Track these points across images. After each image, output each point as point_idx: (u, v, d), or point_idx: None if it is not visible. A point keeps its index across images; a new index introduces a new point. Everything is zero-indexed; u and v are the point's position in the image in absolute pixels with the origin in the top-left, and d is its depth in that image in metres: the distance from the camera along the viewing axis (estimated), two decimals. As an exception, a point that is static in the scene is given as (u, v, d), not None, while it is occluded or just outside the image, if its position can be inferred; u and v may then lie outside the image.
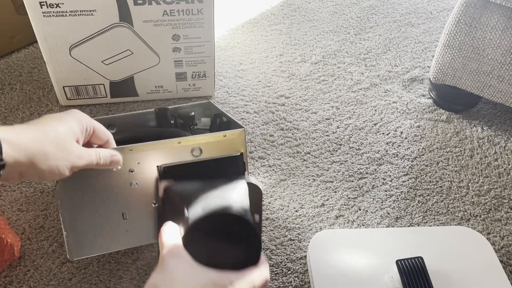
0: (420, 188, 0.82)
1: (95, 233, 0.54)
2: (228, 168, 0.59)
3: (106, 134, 0.53)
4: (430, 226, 0.76)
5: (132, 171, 0.55)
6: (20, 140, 0.42)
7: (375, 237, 0.71)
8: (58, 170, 0.45)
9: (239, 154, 0.59)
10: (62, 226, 0.53)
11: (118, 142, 0.55)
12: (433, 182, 0.83)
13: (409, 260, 0.64)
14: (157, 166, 0.56)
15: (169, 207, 0.55)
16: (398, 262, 0.63)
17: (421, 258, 0.64)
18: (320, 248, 0.68)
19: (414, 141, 0.91)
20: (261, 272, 0.50)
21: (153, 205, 0.56)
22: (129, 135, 0.68)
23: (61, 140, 0.46)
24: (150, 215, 0.56)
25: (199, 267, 0.47)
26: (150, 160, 0.55)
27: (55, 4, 0.75)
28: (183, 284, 0.45)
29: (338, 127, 0.93)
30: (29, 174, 0.44)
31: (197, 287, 0.45)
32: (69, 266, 0.66)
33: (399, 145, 0.90)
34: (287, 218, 0.75)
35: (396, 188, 0.82)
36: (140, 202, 0.55)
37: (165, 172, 0.56)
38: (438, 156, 0.89)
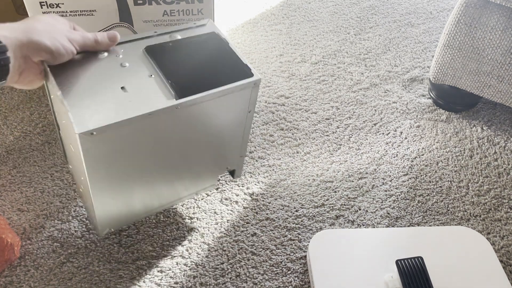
0: (420, 188, 0.82)
1: (97, 106, 0.51)
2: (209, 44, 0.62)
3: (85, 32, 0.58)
4: (430, 226, 0.76)
5: (118, 56, 0.57)
6: (13, 25, 0.48)
7: (375, 237, 0.71)
8: (59, 42, 0.50)
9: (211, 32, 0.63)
10: (65, 105, 0.50)
11: None
12: (433, 182, 0.84)
13: (409, 260, 0.64)
14: (143, 49, 0.58)
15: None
16: (398, 262, 0.64)
17: (421, 258, 0.64)
18: (320, 248, 0.68)
19: (414, 141, 0.92)
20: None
21: (150, 77, 0.56)
22: None
23: (50, 20, 0.52)
24: (151, 85, 0.55)
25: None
26: (134, 47, 0.58)
27: (55, 4, 0.75)
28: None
29: (338, 127, 0.93)
30: (35, 53, 0.49)
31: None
32: (69, 266, 0.66)
33: (399, 145, 0.90)
34: (287, 218, 0.75)
35: (396, 188, 0.82)
36: (135, 77, 0.55)
37: (151, 51, 0.58)
38: (438, 156, 0.89)
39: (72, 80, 0.53)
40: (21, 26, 0.48)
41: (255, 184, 0.80)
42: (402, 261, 0.64)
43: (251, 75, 0.58)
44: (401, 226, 0.76)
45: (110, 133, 0.50)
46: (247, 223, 0.74)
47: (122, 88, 0.53)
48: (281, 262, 0.69)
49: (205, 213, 0.75)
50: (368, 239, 0.70)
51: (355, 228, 0.75)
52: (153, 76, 0.55)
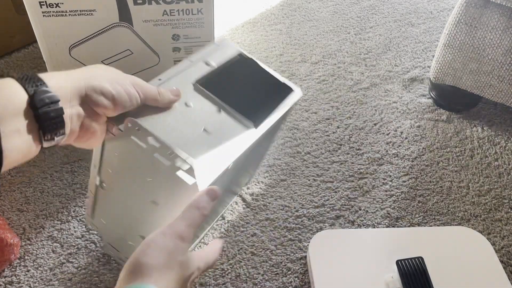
0: (421, 188, 0.82)
1: (200, 155, 0.49)
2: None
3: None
4: (430, 226, 0.76)
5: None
6: (71, 72, 0.43)
7: (375, 237, 0.71)
8: (122, 87, 0.45)
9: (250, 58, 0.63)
10: (179, 158, 0.47)
11: None
12: (433, 182, 0.83)
13: (409, 260, 0.64)
14: (193, 83, 0.57)
15: None
16: (398, 262, 0.63)
17: (421, 258, 0.64)
18: (320, 248, 0.68)
19: (414, 141, 0.91)
20: (213, 252, 0.48)
21: (219, 112, 0.55)
22: None
23: (110, 68, 0.47)
24: (226, 120, 0.54)
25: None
26: (181, 83, 0.56)
27: (55, 4, 0.75)
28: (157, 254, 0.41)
29: (338, 127, 0.93)
30: (95, 99, 0.43)
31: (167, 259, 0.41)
32: (69, 266, 0.66)
33: (399, 145, 0.90)
34: (287, 218, 0.75)
35: (396, 188, 0.82)
36: (208, 115, 0.54)
37: (203, 85, 0.57)
38: (439, 156, 0.89)
39: (156, 128, 0.48)
40: (78, 73, 0.44)
41: (255, 184, 0.80)
42: (402, 261, 0.64)
43: (292, 90, 0.60)
44: (402, 226, 0.76)
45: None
46: (247, 223, 0.74)
47: (204, 130, 0.52)
48: (281, 262, 0.69)
49: (205, 213, 0.74)
50: (369, 239, 0.70)
51: (356, 228, 0.75)
52: (221, 110, 0.55)
